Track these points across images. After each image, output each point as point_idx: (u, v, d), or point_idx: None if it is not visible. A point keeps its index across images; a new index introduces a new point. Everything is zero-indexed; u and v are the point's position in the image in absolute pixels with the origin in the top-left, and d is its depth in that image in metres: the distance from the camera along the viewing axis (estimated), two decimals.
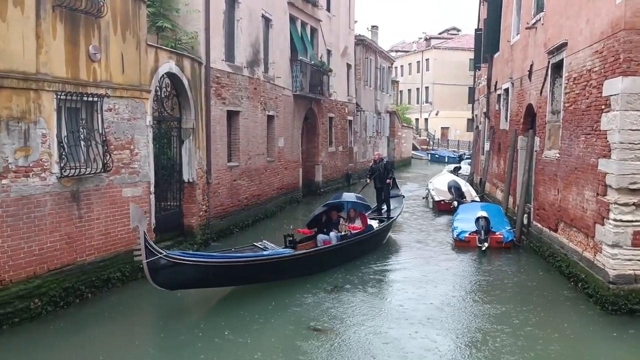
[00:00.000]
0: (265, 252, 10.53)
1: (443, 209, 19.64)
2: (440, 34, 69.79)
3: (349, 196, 13.41)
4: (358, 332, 8.36)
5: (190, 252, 9.93)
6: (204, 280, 9.40)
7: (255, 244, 11.09)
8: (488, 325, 8.74)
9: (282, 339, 8.12)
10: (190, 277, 9.07)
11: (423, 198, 23.26)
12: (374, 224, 14.04)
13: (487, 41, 21.94)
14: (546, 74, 13.07)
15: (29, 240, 8.47)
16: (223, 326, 8.49)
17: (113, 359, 7.44)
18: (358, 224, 12.86)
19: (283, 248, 11.22)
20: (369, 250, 13.05)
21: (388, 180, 15.71)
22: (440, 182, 22.24)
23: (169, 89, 12.57)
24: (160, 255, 8.47)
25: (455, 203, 18.78)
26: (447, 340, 8.09)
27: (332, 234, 12.17)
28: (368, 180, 16.13)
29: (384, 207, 15.77)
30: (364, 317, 9.04)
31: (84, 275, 9.45)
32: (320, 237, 12.21)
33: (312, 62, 22.38)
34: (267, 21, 18.44)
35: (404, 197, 17.91)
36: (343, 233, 12.26)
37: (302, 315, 9.06)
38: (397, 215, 15.82)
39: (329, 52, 25.52)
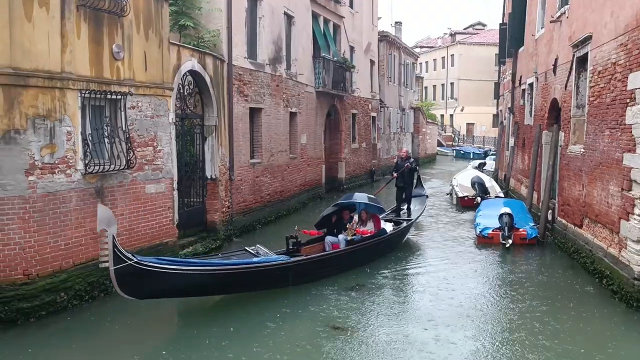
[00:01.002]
0: (254, 259, 9.66)
1: (466, 205, 19.52)
2: (465, 29, 69.14)
3: (360, 197, 12.35)
4: (379, 332, 8.30)
5: (167, 258, 8.99)
6: (180, 290, 8.66)
7: (247, 248, 10.38)
8: (512, 324, 8.63)
9: (301, 338, 8.08)
10: (164, 286, 8.28)
11: (447, 194, 23.12)
12: (389, 226, 13.16)
13: (512, 35, 21.70)
14: (571, 68, 12.88)
15: (55, 235, 8.67)
16: (245, 322, 8.55)
17: (134, 354, 7.59)
18: (370, 227, 11.97)
19: (277, 253, 10.37)
20: (381, 255, 12.21)
21: (407, 164, 15.14)
22: (464, 178, 22.12)
23: (191, 87, 12.72)
24: (130, 262, 7.70)
25: (479, 199, 18.66)
26: (471, 340, 7.97)
27: (341, 236, 11.50)
28: (395, 174, 15.50)
29: (404, 207, 15.31)
30: (385, 316, 8.98)
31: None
32: (329, 239, 11.59)
33: (335, 58, 22.39)
34: (289, 18, 18.51)
35: (427, 197, 17.01)
36: (349, 238, 11.44)
37: (322, 314, 8.99)
38: (417, 218, 15.07)
39: (352, 48, 25.49)
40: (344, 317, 8.83)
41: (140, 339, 8.15)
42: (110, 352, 7.59)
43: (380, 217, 13.10)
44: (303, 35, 19.76)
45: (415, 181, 16.25)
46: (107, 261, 7.49)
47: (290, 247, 10.82)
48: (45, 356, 7.49)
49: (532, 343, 7.82)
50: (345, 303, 9.50)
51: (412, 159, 15.86)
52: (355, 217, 12.12)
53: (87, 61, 9.18)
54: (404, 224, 14.09)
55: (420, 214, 15.44)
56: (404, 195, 15.40)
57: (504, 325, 8.63)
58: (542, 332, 8.20)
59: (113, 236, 7.40)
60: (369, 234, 11.75)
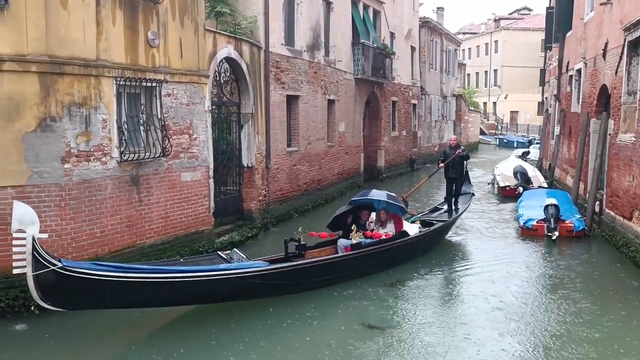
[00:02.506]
0: (221, 266, 8.27)
1: (508, 194, 18.98)
2: (510, 14, 67.30)
3: (378, 194, 10.84)
4: (418, 331, 7.91)
5: (107, 263, 7.63)
6: (120, 300, 7.50)
7: (220, 253, 8.99)
8: (560, 325, 8.10)
9: (333, 337, 7.71)
10: (98, 296, 7.18)
11: (488, 184, 22.55)
12: (414, 228, 11.43)
13: (559, 19, 20.93)
14: (622, 53, 12.26)
15: (90, 222, 8.72)
16: (265, 323, 8.19)
17: (161, 341, 7.56)
18: (389, 228, 10.60)
19: (270, 259, 9.25)
20: (402, 262, 10.65)
21: (459, 151, 13.38)
22: (506, 167, 21.58)
23: (227, 74, 12.61)
24: (53, 267, 6.59)
25: (521, 189, 18.11)
26: (515, 343, 7.49)
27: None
28: (441, 164, 13.72)
29: (447, 204, 13.66)
30: (424, 314, 8.56)
31: (144, 257, 9.64)
32: (342, 242, 10.24)
33: (375, 45, 22.00)
34: (328, 4, 18.26)
35: (473, 195, 14.70)
36: (355, 241, 10.05)
37: (356, 311, 8.62)
38: (454, 219, 13.20)
39: (392, 34, 25.04)
40: (380, 315, 8.41)
41: (170, 327, 8.11)
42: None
43: (410, 217, 12.22)
44: (342, 21, 19.45)
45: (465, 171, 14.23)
46: (24, 266, 6.45)
47: (291, 252, 9.66)
48: (84, 343, 7.51)
49: (580, 348, 7.35)
50: (382, 300, 9.05)
51: (462, 147, 14.13)
52: (372, 217, 10.90)
53: (122, 48, 9.16)
54: (437, 225, 12.21)
55: (459, 215, 13.44)
56: (453, 189, 13.63)
57: (551, 326, 8.10)
58: (590, 335, 7.72)
59: (33, 237, 6.39)
60: (384, 238, 10.34)
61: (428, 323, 8.24)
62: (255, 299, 8.65)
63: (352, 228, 10.24)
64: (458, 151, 13.52)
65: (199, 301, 8.33)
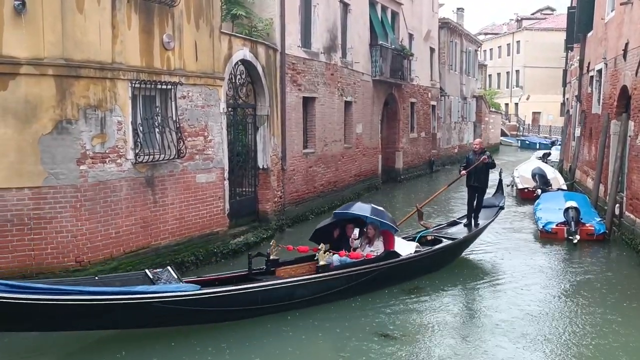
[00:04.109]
0: (137, 288, 7.19)
1: (526, 197, 18.82)
2: (533, 14, 66.57)
3: (361, 208, 9.55)
4: (434, 341, 7.73)
5: (6, 281, 6.62)
6: (8, 323, 6.64)
7: (148, 271, 7.85)
8: (581, 334, 7.87)
9: (344, 346, 7.55)
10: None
11: (507, 186, 22.30)
12: (411, 247, 10.08)
13: (580, 19, 20.64)
14: None
15: (105, 223, 8.83)
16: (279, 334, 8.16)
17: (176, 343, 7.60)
18: (377, 247, 9.40)
19: (185, 283, 7.85)
20: (395, 283, 9.55)
21: (484, 157, 11.65)
22: (525, 169, 21.41)
23: (243, 76, 12.68)
24: None
25: (539, 191, 17.92)
26: (535, 355, 7.28)
27: (336, 256, 8.97)
28: (463, 172, 11.98)
29: (467, 217, 12.19)
30: (441, 323, 8.32)
31: (159, 258, 9.74)
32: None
33: (393, 46, 21.92)
34: (345, 6, 18.25)
35: (502, 208, 12.60)
36: (322, 262, 8.72)
37: (371, 319, 8.36)
38: (471, 235, 11.60)
39: (410, 36, 24.93)
40: (395, 323, 8.22)
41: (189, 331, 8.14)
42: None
43: (423, 231, 11.35)
44: (359, 22, 19.43)
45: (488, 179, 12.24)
46: None
47: (256, 268, 8.75)
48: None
49: (600, 356, 7.20)
50: (398, 309, 8.76)
51: (488, 152, 12.20)
52: (355, 232, 9.75)
53: (137, 51, 9.27)
54: (443, 244, 10.73)
55: (478, 231, 11.85)
56: (476, 199, 11.98)
57: (572, 336, 7.86)
58: (613, 343, 7.54)
59: None
60: (363, 258, 9.10)
61: (445, 332, 8.05)
62: (188, 325, 7.73)
63: (320, 247, 8.88)
64: (483, 157, 11.72)
65: (111, 327, 7.41)
